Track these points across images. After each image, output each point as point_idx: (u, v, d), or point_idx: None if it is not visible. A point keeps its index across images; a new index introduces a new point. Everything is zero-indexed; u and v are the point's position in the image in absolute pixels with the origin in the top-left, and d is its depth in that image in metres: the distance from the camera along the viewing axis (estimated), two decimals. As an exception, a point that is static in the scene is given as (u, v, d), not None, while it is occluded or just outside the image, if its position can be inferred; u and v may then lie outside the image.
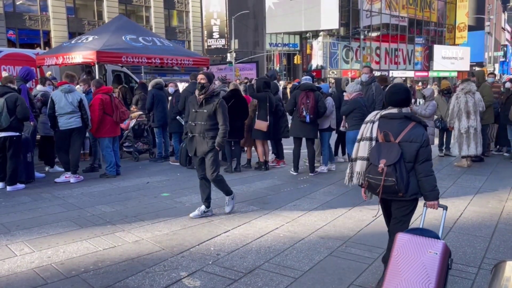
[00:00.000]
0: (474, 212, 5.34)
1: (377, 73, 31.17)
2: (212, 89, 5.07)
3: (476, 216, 5.24)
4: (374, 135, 3.19)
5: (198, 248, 4.19)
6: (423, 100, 8.74)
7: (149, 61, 9.87)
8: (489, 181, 7.06)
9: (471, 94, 7.93)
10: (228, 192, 5.38)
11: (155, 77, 11.81)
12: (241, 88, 9.07)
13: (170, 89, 9.00)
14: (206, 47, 40.12)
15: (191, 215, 5.17)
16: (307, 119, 7.21)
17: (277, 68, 43.12)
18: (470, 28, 56.61)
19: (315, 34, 43.03)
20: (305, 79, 7.88)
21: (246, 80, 15.56)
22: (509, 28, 78.22)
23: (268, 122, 7.67)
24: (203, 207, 5.23)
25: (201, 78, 5.07)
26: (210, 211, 5.28)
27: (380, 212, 3.47)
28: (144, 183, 6.99)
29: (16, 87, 6.73)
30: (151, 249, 4.16)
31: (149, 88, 9.13)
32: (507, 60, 71.75)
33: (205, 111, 4.99)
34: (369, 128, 3.24)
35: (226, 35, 40.03)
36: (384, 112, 3.26)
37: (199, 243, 4.32)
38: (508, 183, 6.87)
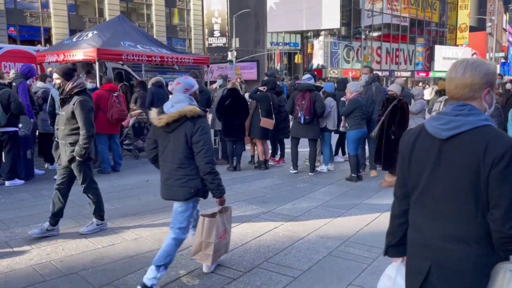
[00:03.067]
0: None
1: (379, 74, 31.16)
2: (71, 87, 4.22)
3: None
4: (442, 109, 5.59)
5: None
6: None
7: (150, 59, 9.87)
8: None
9: None
10: (99, 211, 4.56)
11: (155, 75, 11.79)
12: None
13: (170, 87, 8.98)
14: (207, 46, 40.08)
15: (30, 232, 4.37)
16: (302, 120, 7.22)
17: (278, 67, 43.06)
18: (472, 29, 56.55)
19: (316, 34, 42.99)
20: (306, 78, 7.89)
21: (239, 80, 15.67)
22: (510, 29, 78.17)
23: (274, 120, 7.73)
24: (46, 224, 4.38)
25: (55, 77, 4.34)
26: (55, 230, 4.42)
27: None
28: (143, 181, 6.98)
29: (6, 83, 6.74)
30: (150, 247, 4.16)
31: (149, 86, 9.14)
32: (508, 61, 71.71)
33: (63, 113, 4.28)
34: (439, 105, 6.74)
35: (227, 33, 39.99)
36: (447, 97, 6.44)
37: (198, 242, 4.31)
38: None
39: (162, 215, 5.15)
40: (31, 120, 7.34)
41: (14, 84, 7.13)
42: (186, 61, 10.62)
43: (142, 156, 9.09)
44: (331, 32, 43.18)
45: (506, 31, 75.08)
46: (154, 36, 31.08)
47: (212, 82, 10.99)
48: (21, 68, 7.84)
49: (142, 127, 9.23)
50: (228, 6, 39.69)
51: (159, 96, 8.69)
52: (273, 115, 7.78)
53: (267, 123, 7.72)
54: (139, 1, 34.74)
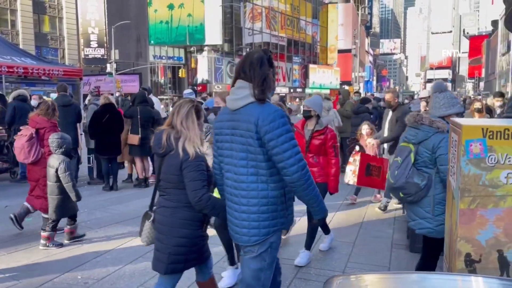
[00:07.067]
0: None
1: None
2: None
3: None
4: None
5: (62, 278, 3.80)
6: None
7: (11, 70, 8.82)
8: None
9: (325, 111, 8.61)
10: None
11: (19, 87, 10.61)
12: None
13: (33, 101, 8.19)
14: (83, 56, 37.59)
15: None
16: None
17: (162, 81, 42.33)
18: (339, 51, 62.80)
19: (200, 49, 43.37)
20: (188, 93, 7.86)
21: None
22: (371, 51, 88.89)
23: (139, 135, 7.44)
24: None
25: None
26: None
27: None
28: (2, 206, 6.14)
29: None
30: (3, 285, 3.64)
31: (10, 99, 8.17)
32: (371, 80, 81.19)
33: None
34: None
35: (105, 44, 38.04)
36: None
37: (64, 272, 3.92)
38: (368, 192, 7.60)
39: (22, 245, 4.58)
40: None
41: None
42: (55, 72, 9.74)
43: (1, 179, 8.05)
44: (214, 48, 43.97)
45: (368, 53, 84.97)
46: (20, 45, 28.12)
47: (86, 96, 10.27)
48: None
49: (2, 146, 8.17)
50: (106, 16, 37.88)
51: (22, 111, 7.80)
52: (139, 129, 7.52)
53: (132, 139, 7.47)
54: (2, 6, 31.18)
